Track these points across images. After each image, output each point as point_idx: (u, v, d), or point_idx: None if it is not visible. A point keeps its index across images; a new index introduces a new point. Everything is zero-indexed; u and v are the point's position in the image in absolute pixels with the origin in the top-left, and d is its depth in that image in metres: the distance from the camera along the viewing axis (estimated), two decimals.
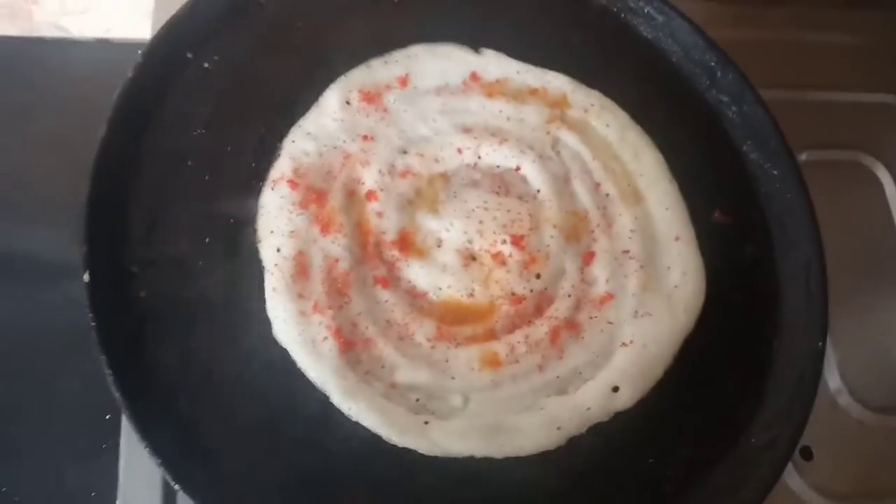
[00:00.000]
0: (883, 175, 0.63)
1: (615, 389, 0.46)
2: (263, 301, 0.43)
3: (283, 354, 0.42)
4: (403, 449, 0.41)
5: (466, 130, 0.50)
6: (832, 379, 0.56)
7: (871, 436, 0.54)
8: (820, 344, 0.47)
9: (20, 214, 0.59)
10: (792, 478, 0.52)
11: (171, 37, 0.46)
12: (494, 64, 0.53)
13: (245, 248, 0.44)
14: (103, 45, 0.76)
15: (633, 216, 0.50)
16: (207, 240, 0.44)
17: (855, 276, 0.60)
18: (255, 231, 0.45)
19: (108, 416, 0.47)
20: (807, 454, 0.53)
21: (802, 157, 0.61)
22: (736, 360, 0.48)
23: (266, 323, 0.43)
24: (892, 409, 0.55)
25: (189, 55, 0.47)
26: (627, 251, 0.49)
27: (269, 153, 0.47)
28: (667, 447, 0.45)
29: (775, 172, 0.52)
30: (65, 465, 0.47)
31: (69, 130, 0.70)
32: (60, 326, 0.50)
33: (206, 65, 0.48)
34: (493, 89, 0.52)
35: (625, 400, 0.45)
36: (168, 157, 0.45)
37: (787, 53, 0.66)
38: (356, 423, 0.41)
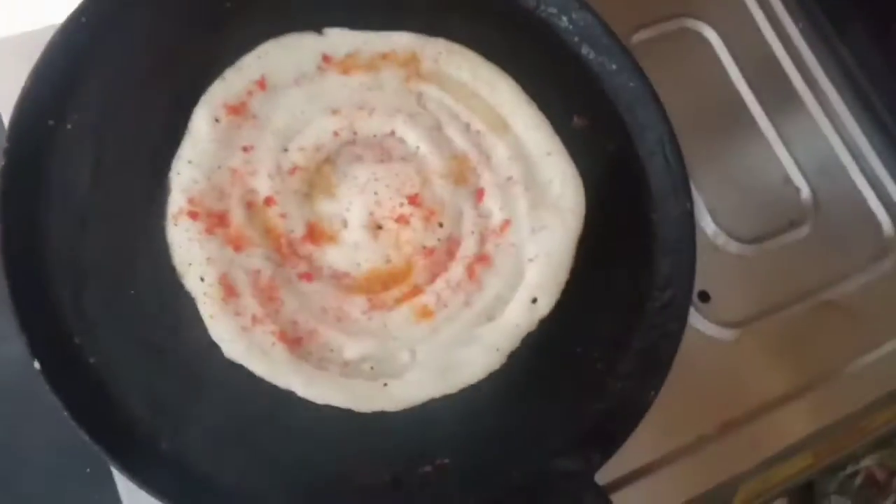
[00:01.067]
0: (709, 34, 0.70)
1: (534, 301, 0.52)
2: (206, 329, 0.46)
3: (241, 369, 0.46)
4: (373, 414, 0.47)
5: (335, 112, 0.53)
6: (708, 227, 0.64)
7: (751, 264, 0.63)
8: (687, 205, 0.55)
9: None
10: (698, 320, 0.60)
11: (27, 112, 0.47)
12: (340, 41, 0.55)
13: (170, 286, 0.47)
14: None
15: (506, 144, 0.55)
16: (132, 291, 0.46)
17: (707, 131, 0.68)
18: (173, 268, 0.47)
19: (87, 470, 0.50)
20: (704, 297, 0.61)
21: (636, 38, 0.67)
22: (624, 243, 0.55)
23: (215, 347, 0.46)
24: (761, 237, 0.64)
25: (50, 122, 0.48)
26: (510, 177, 0.54)
27: (160, 192, 0.49)
28: (589, 334, 0.52)
29: (614, 67, 0.58)
30: None
31: None
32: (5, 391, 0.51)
33: (70, 126, 0.48)
34: (347, 65, 0.55)
35: (544, 307, 0.52)
36: (67, 227, 0.46)
37: None
38: (327, 405, 0.46)
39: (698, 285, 0.61)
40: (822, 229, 0.65)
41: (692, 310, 0.59)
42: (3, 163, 0.45)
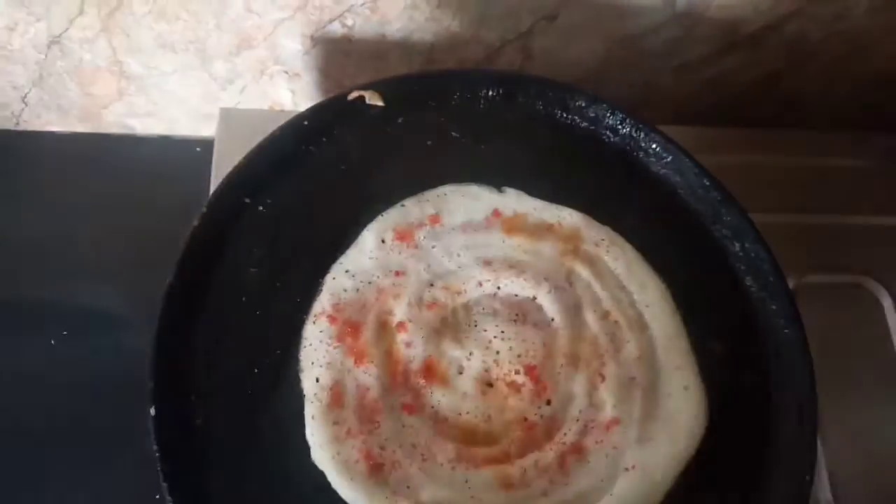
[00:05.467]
0: (884, 298, 0.67)
1: None
2: (303, 426, 0.49)
3: (321, 475, 0.48)
4: None
5: (487, 263, 0.56)
6: (824, 496, 0.59)
7: None
8: (807, 478, 0.51)
9: (81, 273, 0.73)
10: None
11: (231, 186, 0.53)
12: (515, 202, 0.58)
13: (288, 377, 0.50)
14: (166, 141, 0.85)
15: (639, 344, 0.55)
16: (256, 370, 0.50)
17: (854, 394, 0.64)
18: (298, 362, 0.51)
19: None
20: None
21: (805, 279, 0.66)
22: (727, 482, 0.52)
23: (305, 447, 0.49)
24: None
25: (246, 200, 0.54)
26: (633, 377, 0.54)
27: (312, 289, 0.53)
28: None
29: (773, 307, 0.56)
30: None
31: (131, 210, 0.79)
32: (115, 373, 0.57)
33: (261, 208, 0.54)
34: (513, 225, 0.58)
35: None
36: (226, 295, 0.51)
37: (795, 176, 0.70)
38: None
39: None
40: None
41: None
42: (195, 223, 0.51)
